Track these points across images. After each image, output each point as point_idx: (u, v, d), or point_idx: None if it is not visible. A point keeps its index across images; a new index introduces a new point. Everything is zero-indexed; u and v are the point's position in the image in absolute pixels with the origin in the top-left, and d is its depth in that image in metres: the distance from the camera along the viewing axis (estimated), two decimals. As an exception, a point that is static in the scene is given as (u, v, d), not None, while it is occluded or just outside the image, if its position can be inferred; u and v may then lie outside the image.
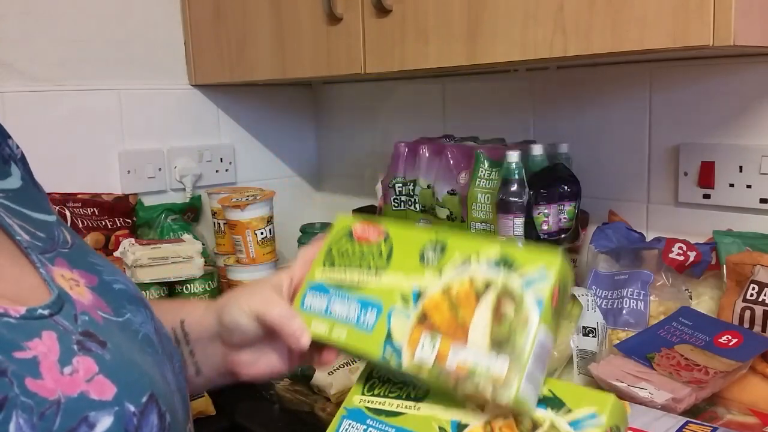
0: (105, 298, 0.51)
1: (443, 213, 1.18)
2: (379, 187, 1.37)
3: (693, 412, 0.80)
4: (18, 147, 0.60)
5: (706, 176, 1.08)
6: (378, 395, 0.56)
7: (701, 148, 1.10)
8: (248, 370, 0.63)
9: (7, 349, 0.41)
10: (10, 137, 0.59)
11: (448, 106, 1.48)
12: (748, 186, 1.05)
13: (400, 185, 1.26)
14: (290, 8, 1.27)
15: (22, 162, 0.60)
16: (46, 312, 0.46)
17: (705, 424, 0.74)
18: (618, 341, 0.97)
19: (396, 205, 1.27)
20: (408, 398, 0.54)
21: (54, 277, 0.49)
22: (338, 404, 0.94)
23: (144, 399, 0.45)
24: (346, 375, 0.95)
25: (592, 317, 0.96)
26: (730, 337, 0.87)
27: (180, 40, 1.55)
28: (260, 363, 0.62)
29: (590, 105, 1.24)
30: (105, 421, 0.42)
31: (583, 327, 0.96)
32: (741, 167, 1.05)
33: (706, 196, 1.10)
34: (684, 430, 0.72)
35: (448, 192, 1.17)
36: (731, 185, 1.07)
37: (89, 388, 0.43)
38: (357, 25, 1.14)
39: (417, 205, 1.23)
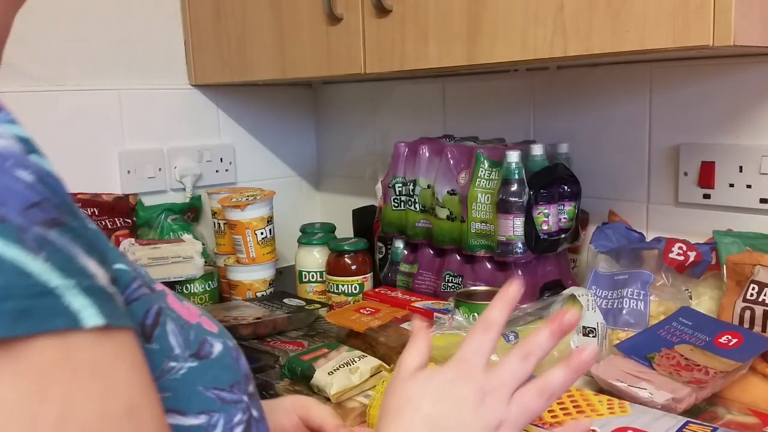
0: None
1: (443, 213, 1.18)
2: (379, 187, 1.37)
3: (693, 412, 0.80)
4: None
5: (706, 176, 1.08)
6: None
7: (701, 148, 1.10)
8: None
9: (148, 281, 0.48)
10: None
11: (448, 106, 1.48)
12: (748, 186, 1.05)
13: (400, 185, 1.26)
14: (290, 8, 1.27)
15: None
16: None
17: (705, 424, 0.74)
18: (618, 341, 0.97)
19: (396, 205, 1.27)
20: None
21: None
22: (338, 404, 0.94)
23: (234, 343, 0.52)
24: (346, 375, 0.95)
25: (592, 317, 0.96)
26: (730, 337, 0.87)
27: (180, 40, 1.55)
28: None
29: (590, 105, 1.24)
30: (217, 346, 0.49)
31: (583, 327, 0.96)
32: (741, 167, 1.05)
33: (706, 196, 1.10)
34: (684, 430, 0.72)
35: (448, 192, 1.17)
36: (731, 185, 1.07)
37: (201, 321, 0.51)
38: (357, 25, 1.14)
39: (417, 205, 1.23)
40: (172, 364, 0.46)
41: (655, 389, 0.82)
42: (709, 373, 0.83)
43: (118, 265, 0.45)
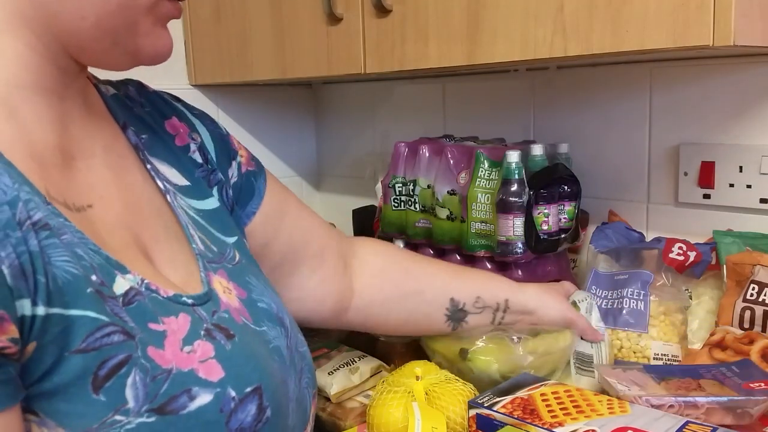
0: (249, 310, 0.61)
1: (443, 213, 1.18)
2: (379, 187, 1.37)
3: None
4: (240, 174, 0.74)
5: (706, 176, 1.08)
6: None
7: (701, 148, 1.10)
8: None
9: (145, 319, 0.49)
10: (233, 163, 0.74)
11: (448, 106, 1.48)
12: (748, 186, 1.05)
13: (400, 185, 1.26)
14: (290, 8, 1.27)
15: (232, 189, 0.73)
16: (189, 300, 0.55)
17: (705, 424, 0.74)
18: (618, 340, 0.97)
19: (396, 205, 1.27)
20: None
21: (211, 280, 0.60)
22: (338, 404, 0.94)
23: (249, 389, 0.52)
24: (346, 375, 0.95)
25: (591, 321, 0.96)
26: (762, 384, 0.81)
27: (180, 40, 1.55)
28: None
29: (590, 105, 1.24)
30: (204, 397, 0.49)
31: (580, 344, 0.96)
32: (741, 167, 1.05)
33: (706, 196, 1.10)
34: (684, 430, 0.72)
35: (448, 192, 1.17)
36: (731, 185, 1.07)
37: (200, 368, 0.50)
38: (357, 25, 1.14)
39: (417, 205, 1.23)
40: (119, 417, 0.45)
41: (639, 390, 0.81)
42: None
43: (78, 312, 0.44)
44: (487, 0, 0.95)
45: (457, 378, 0.86)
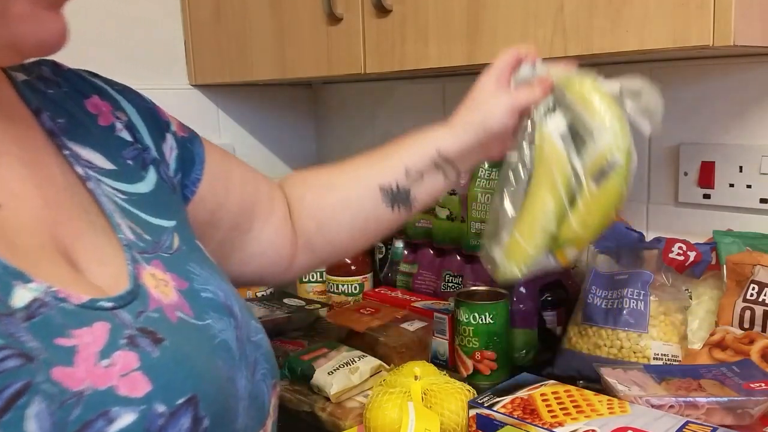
0: (190, 302, 0.55)
1: (443, 213, 1.18)
2: (379, 187, 1.36)
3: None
4: (180, 146, 0.69)
5: (706, 176, 1.08)
6: None
7: (701, 148, 1.10)
8: (499, 154, 0.82)
9: (50, 335, 0.43)
10: (168, 135, 0.68)
11: (448, 106, 1.48)
12: (748, 186, 1.05)
13: (400, 185, 1.26)
14: (290, 8, 1.27)
15: (175, 161, 0.68)
16: (109, 304, 0.48)
17: (705, 424, 0.74)
18: (618, 340, 0.97)
19: (396, 205, 1.26)
20: None
21: (140, 275, 0.53)
22: (338, 404, 0.94)
23: (181, 400, 0.46)
24: (346, 375, 0.95)
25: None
26: (763, 385, 0.81)
27: (180, 40, 1.55)
28: (504, 146, 0.81)
29: (590, 105, 1.24)
30: (126, 418, 0.43)
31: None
32: (741, 167, 1.05)
33: (706, 196, 1.10)
34: (684, 430, 0.72)
35: (448, 192, 1.17)
36: (731, 185, 1.07)
37: (120, 384, 0.44)
38: (357, 25, 1.14)
39: (417, 205, 1.23)
40: None
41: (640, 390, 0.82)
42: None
43: None
44: (487, 0, 0.95)
45: (455, 379, 0.86)
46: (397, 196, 0.82)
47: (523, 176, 0.78)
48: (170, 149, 0.68)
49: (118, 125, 0.63)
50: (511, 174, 0.79)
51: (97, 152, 0.59)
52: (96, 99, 0.64)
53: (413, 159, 0.81)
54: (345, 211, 0.82)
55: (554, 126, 0.77)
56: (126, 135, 0.63)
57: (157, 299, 0.52)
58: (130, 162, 0.62)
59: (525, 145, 0.78)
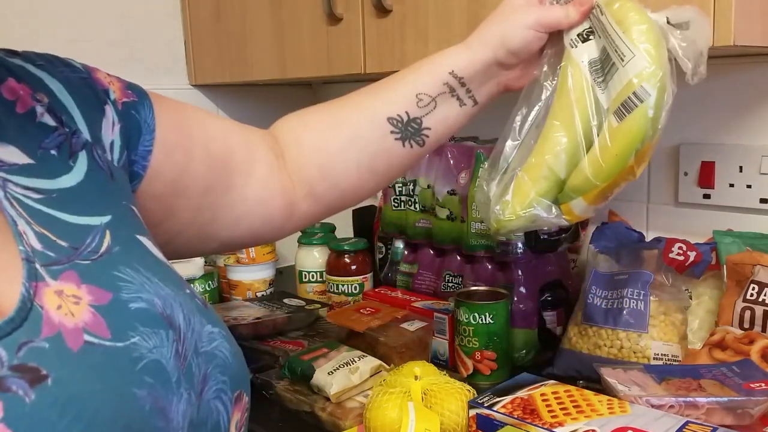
0: (110, 319, 0.46)
1: (443, 213, 1.18)
2: (379, 187, 1.36)
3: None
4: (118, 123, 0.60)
5: (706, 176, 1.09)
6: None
7: (701, 148, 1.10)
8: (520, 82, 0.76)
9: None
10: (107, 108, 0.60)
11: (448, 106, 1.48)
12: (748, 186, 1.05)
13: (400, 185, 1.26)
14: (290, 8, 1.27)
15: (120, 137, 0.59)
16: None
17: (705, 424, 0.74)
18: (618, 340, 0.97)
19: (396, 205, 1.27)
20: None
21: (37, 294, 0.44)
22: (338, 404, 0.94)
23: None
24: (346, 375, 0.95)
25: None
26: (763, 385, 0.81)
27: (180, 40, 1.55)
28: (527, 73, 0.75)
29: (590, 105, 1.24)
30: None
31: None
32: (741, 167, 1.05)
33: (706, 196, 1.10)
34: (684, 430, 0.72)
35: (448, 192, 1.17)
36: (731, 185, 1.07)
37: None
38: (357, 25, 1.14)
39: (417, 205, 1.23)
40: None
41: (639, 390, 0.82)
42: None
43: None
44: (487, 0, 0.95)
45: (455, 379, 0.86)
46: (408, 127, 0.74)
47: (540, 107, 0.71)
48: (111, 125, 0.59)
49: (39, 109, 0.55)
50: (525, 106, 0.71)
51: (11, 146, 0.51)
52: (12, 83, 0.55)
53: (424, 83, 0.73)
54: (350, 149, 0.74)
55: (584, 52, 0.68)
56: (48, 120, 0.55)
57: (55, 323, 0.43)
58: (53, 152, 0.53)
59: (548, 72, 0.70)
